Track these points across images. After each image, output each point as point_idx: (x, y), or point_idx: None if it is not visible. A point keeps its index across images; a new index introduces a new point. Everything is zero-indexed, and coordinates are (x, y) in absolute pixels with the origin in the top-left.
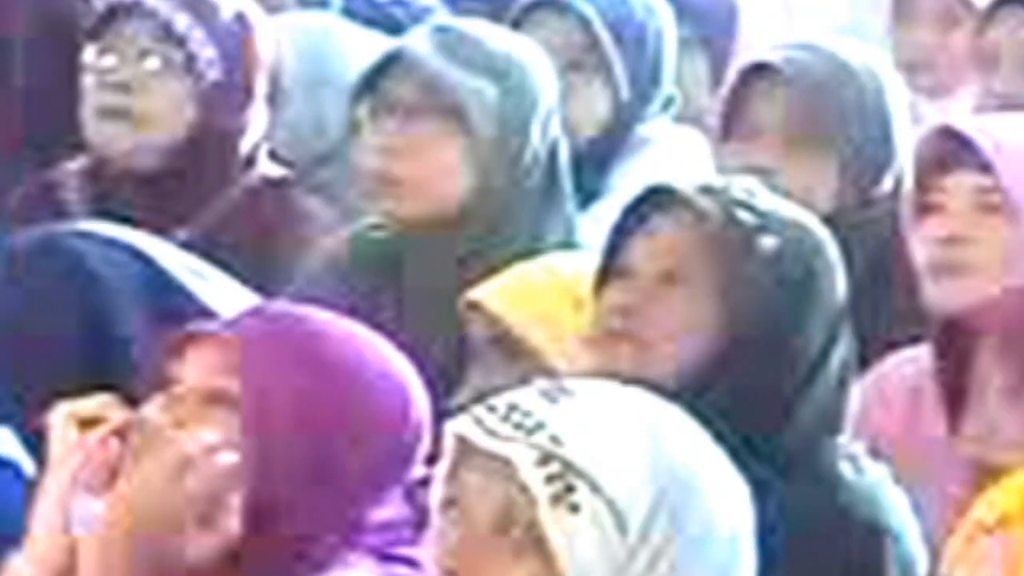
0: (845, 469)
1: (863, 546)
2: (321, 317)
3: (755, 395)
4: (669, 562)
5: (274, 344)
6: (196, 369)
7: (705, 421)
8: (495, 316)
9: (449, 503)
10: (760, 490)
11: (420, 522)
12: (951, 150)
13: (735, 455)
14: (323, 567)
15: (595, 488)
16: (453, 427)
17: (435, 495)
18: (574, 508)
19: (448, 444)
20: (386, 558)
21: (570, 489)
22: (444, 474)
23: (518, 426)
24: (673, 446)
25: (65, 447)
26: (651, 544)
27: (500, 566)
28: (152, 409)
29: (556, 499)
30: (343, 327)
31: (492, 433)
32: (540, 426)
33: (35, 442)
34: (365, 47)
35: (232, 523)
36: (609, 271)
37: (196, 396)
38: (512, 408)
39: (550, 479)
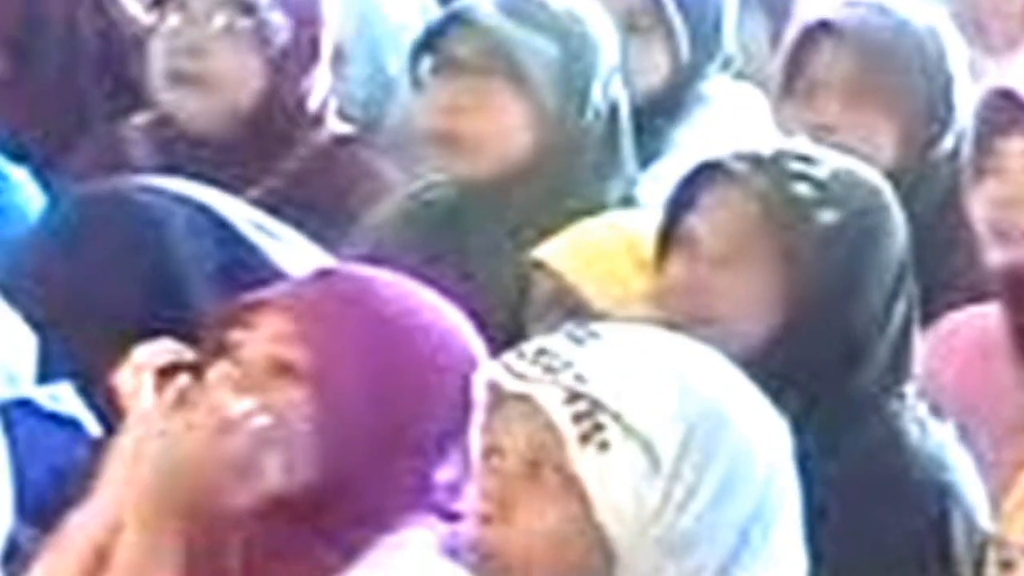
0: (910, 429)
1: (926, 507)
2: (385, 280)
3: (818, 363)
4: (702, 498)
5: (339, 311)
6: (260, 337)
7: (771, 390)
8: (558, 275)
9: (486, 452)
10: (824, 450)
11: None
12: (1009, 112)
13: (799, 417)
14: (391, 528)
15: (624, 425)
16: (484, 374)
17: (475, 445)
18: (604, 446)
19: (480, 392)
20: (450, 516)
21: (599, 427)
22: (480, 423)
23: (546, 368)
24: (703, 383)
25: (143, 400)
26: (683, 480)
27: (533, 508)
28: (214, 376)
29: (585, 438)
30: (407, 289)
31: (520, 376)
32: (566, 366)
33: (98, 401)
34: (417, 6)
35: (270, 479)
36: (669, 241)
37: (260, 365)
38: (540, 352)
39: (578, 418)
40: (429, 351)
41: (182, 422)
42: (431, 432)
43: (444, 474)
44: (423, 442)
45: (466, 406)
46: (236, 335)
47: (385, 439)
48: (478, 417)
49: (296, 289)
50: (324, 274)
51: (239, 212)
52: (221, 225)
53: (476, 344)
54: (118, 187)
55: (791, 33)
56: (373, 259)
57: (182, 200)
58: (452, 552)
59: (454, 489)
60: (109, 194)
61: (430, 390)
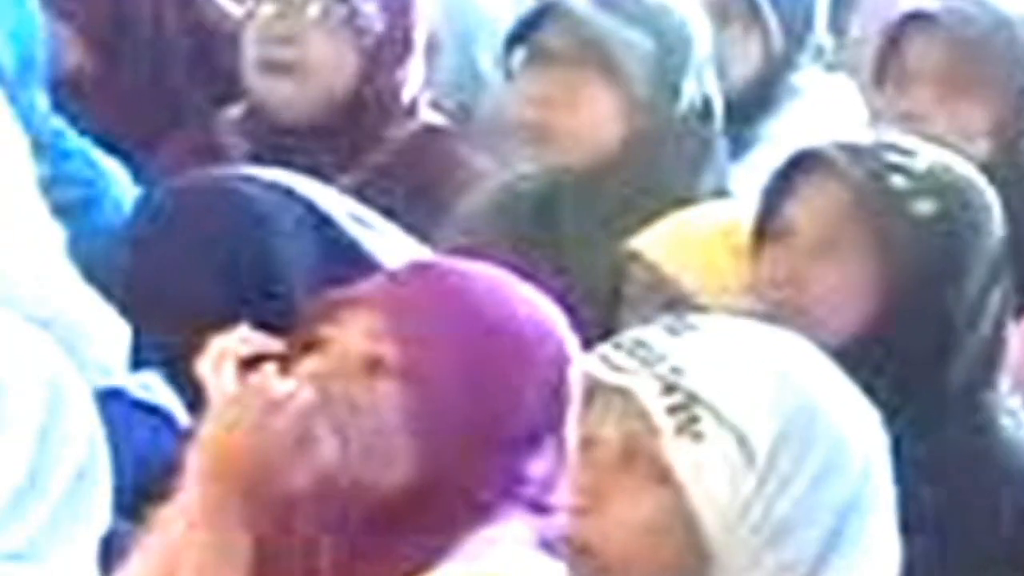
0: (1003, 422)
1: (1018, 499)
2: (478, 273)
3: (911, 354)
4: (797, 489)
5: (432, 306)
6: (352, 333)
7: (864, 380)
8: (654, 265)
9: (582, 443)
10: (916, 441)
11: None
12: None
13: (892, 407)
14: (485, 522)
15: (719, 417)
16: (580, 366)
17: (571, 437)
18: (698, 437)
19: (577, 384)
20: (544, 510)
21: (694, 419)
22: (577, 414)
23: (642, 360)
24: (799, 377)
25: (223, 389)
26: (778, 472)
27: (627, 499)
28: (304, 371)
29: (680, 429)
30: (500, 282)
31: (617, 368)
32: (662, 358)
33: (188, 389)
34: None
35: (323, 456)
36: (765, 232)
37: (352, 361)
38: (637, 343)
39: (673, 409)
40: (523, 344)
41: (236, 407)
42: (525, 426)
43: (538, 468)
44: (517, 436)
45: (560, 400)
46: (328, 331)
47: (479, 434)
48: (574, 410)
49: (388, 284)
50: (416, 268)
51: (338, 204)
52: (322, 218)
53: (569, 337)
54: (218, 178)
55: (886, 24)
56: (465, 251)
57: (285, 192)
58: (546, 546)
59: (548, 483)
60: (209, 185)
61: (524, 384)
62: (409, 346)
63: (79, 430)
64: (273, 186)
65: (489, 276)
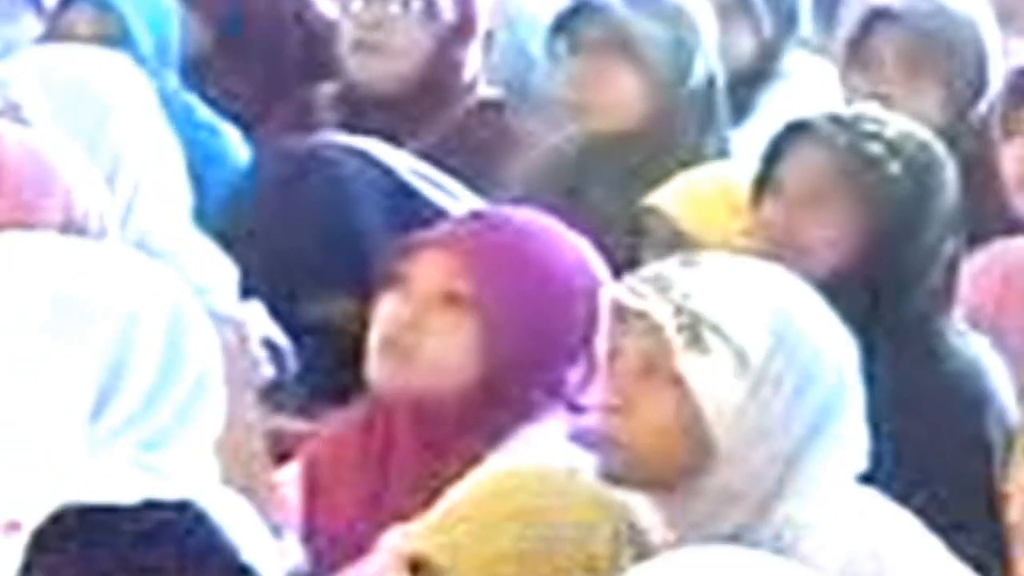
0: (955, 340)
1: (969, 409)
2: (529, 219)
3: (882, 286)
4: (784, 394)
5: (495, 247)
6: (428, 271)
7: (841, 308)
8: (671, 218)
9: (610, 355)
10: (886, 357)
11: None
12: None
13: (863, 330)
14: (533, 417)
15: (721, 334)
16: (609, 292)
17: (601, 349)
18: (704, 351)
19: (606, 307)
20: (576, 409)
21: (700, 336)
22: (606, 331)
23: (658, 288)
24: (787, 302)
25: None
26: (769, 379)
27: (650, 402)
28: (386, 307)
29: (688, 344)
30: (546, 226)
31: (639, 295)
32: (675, 286)
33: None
34: None
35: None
36: (763, 186)
37: (429, 296)
38: (655, 275)
39: (682, 328)
40: (567, 277)
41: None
42: (567, 341)
43: (574, 375)
44: (559, 351)
45: (592, 321)
46: (407, 269)
47: (532, 350)
48: (604, 327)
49: (457, 229)
50: (479, 216)
51: (408, 165)
52: (393, 176)
53: (601, 270)
54: (311, 145)
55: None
56: (519, 200)
57: (364, 157)
58: (578, 437)
59: (582, 386)
60: (304, 151)
61: (567, 308)
62: (478, 282)
63: (197, 346)
64: (355, 151)
65: (538, 222)
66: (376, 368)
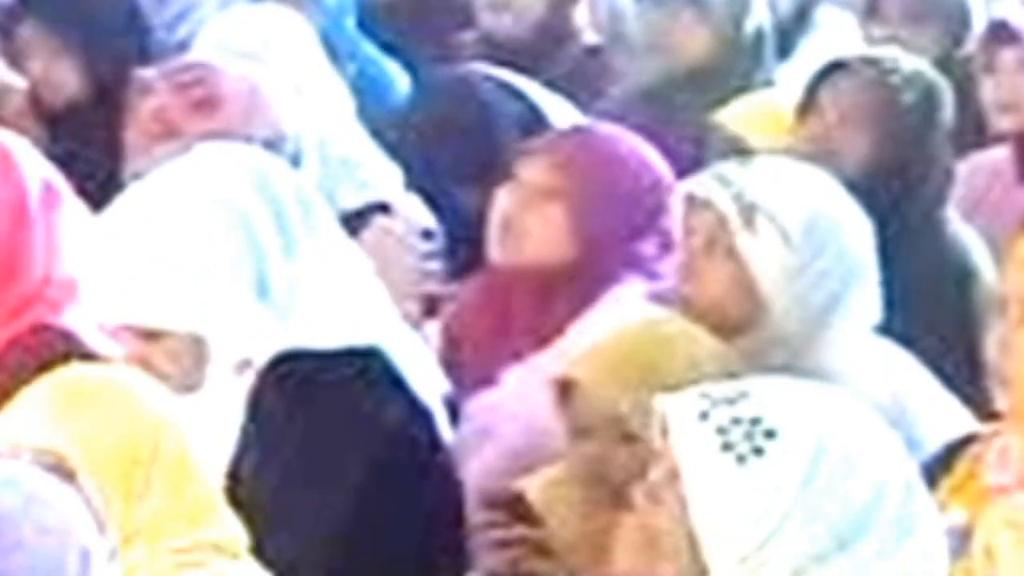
0: (950, 229)
1: (961, 277)
2: (612, 132)
3: (899, 184)
4: (818, 263)
5: (585, 152)
6: (535, 168)
7: (865, 200)
8: (731, 131)
9: (684, 234)
10: (895, 242)
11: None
12: (1002, 33)
13: (881, 219)
14: (616, 281)
15: (770, 218)
16: (682, 187)
17: (677, 231)
18: (756, 231)
19: (679, 197)
20: (651, 275)
21: (753, 219)
22: (679, 216)
23: (721, 182)
24: (821, 193)
25: None
26: (806, 254)
27: (713, 272)
28: (503, 197)
29: (744, 226)
30: (625, 137)
31: (705, 187)
32: (733, 180)
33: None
34: None
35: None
36: (805, 110)
37: (534, 187)
38: (718, 172)
39: (738, 213)
40: (638, 173)
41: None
42: (640, 224)
43: (648, 249)
44: (638, 230)
45: (659, 206)
46: (520, 168)
47: (616, 231)
48: (677, 213)
49: (555, 138)
50: (573, 128)
51: (535, 90)
52: (525, 101)
53: (665, 169)
54: (458, 73)
55: None
56: (611, 117)
57: (499, 82)
58: (655, 297)
59: (657, 258)
60: (452, 78)
61: (639, 197)
62: (570, 179)
63: None
64: (494, 79)
65: (617, 134)
66: (493, 247)
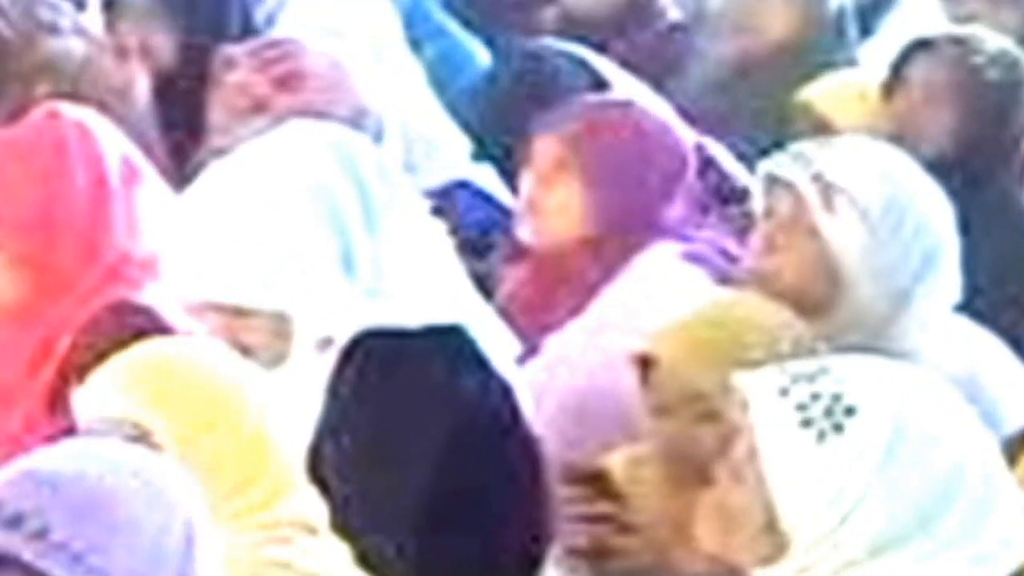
0: (1015, 189)
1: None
2: (626, 101)
3: (979, 160)
4: (897, 245)
5: (597, 125)
6: (544, 147)
7: (944, 181)
8: (815, 110)
9: (765, 212)
10: (974, 221)
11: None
12: None
13: (961, 199)
14: (637, 250)
15: (849, 198)
16: (763, 167)
17: (758, 207)
18: (835, 211)
19: (760, 177)
20: (682, 237)
21: (831, 199)
22: (761, 193)
23: (801, 162)
24: (899, 175)
25: None
26: (886, 232)
27: (791, 249)
28: (525, 178)
29: (823, 205)
30: (638, 106)
31: (784, 167)
32: (814, 160)
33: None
34: None
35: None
36: (892, 88)
37: (548, 159)
38: (798, 152)
39: (818, 192)
40: (657, 138)
41: None
42: (664, 188)
43: (675, 211)
44: (660, 195)
45: (684, 170)
46: (531, 148)
47: (634, 200)
48: (760, 191)
49: (567, 111)
50: (584, 102)
51: (605, 64)
52: (593, 72)
53: (685, 133)
54: (530, 47)
55: None
56: (689, 98)
57: (569, 56)
58: (692, 257)
59: (686, 220)
60: (525, 52)
61: (661, 162)
62: (587, 151)
63: None
64: (565, 53)
65: (630, 103)
66: (519, 226)
